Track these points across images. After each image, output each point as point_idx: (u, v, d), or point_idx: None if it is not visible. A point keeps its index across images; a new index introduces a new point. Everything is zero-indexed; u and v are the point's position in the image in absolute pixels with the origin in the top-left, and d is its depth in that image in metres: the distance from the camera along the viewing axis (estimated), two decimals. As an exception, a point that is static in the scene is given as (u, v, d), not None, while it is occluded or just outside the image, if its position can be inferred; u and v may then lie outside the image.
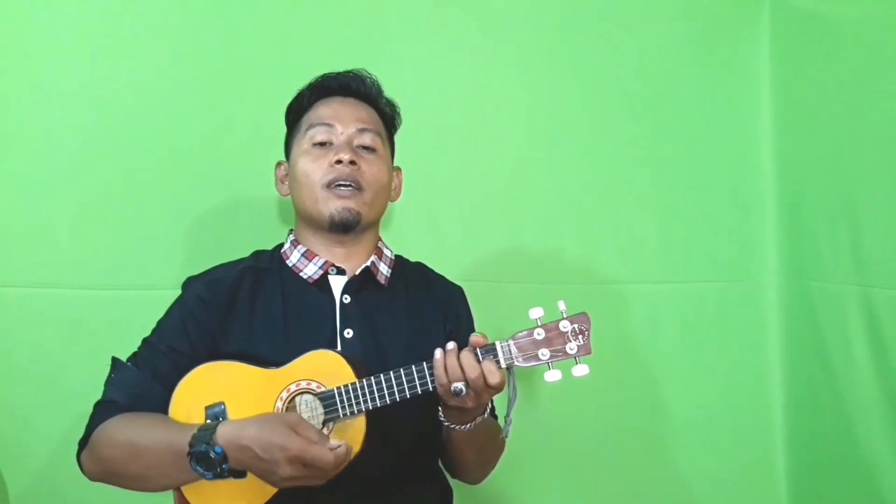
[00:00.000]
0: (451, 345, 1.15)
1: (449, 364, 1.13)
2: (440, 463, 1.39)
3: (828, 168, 1.78)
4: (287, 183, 1.39)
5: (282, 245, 1.39)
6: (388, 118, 1.42)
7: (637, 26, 1.92)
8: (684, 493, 1.90)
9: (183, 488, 1.17)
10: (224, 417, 1.17)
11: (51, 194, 1.55)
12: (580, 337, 1.16)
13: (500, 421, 1.33)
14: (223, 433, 1.10)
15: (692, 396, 1.91)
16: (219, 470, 1.09)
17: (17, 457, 1.50)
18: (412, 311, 1.35)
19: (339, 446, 1.10)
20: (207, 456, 1.08)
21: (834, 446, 1.77)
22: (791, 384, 1.92)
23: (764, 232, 1.96)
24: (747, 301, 1.96)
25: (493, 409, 1.36)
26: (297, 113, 1.39)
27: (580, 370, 1.15)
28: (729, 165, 1.97)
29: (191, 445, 1.09)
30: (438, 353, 1.15)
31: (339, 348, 1.26)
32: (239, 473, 1.12)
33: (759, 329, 1.96)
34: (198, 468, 1.09)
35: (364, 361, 1.22)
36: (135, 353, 1.27)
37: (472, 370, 1.13)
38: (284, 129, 1.41)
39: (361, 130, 1.34)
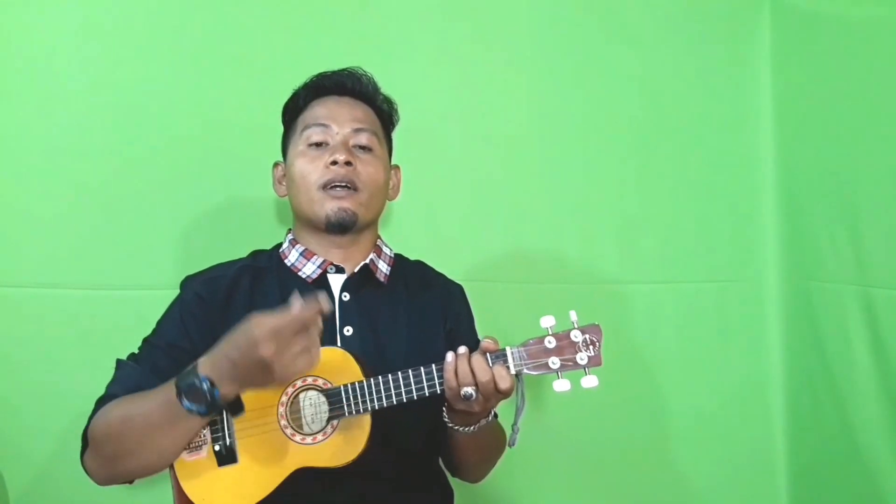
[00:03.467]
0: (462, 349, 1.15)
1: (460, 368, 1.13)
2: (440, 462, 1.39)
3: (828, 168, 1.78)
4: (284, 183, 1.38)
5: (280, 245, 1.39)
6: (386, 115, 1.41)
7: (637, 27, 1.92)
8: (684, 493, 1.90)
9: (184, 486, 1.16)
10: None
11: (51, 194, 1.54)
12: (591, 348, 1.16)
13: (503, 424, 1.34)
14: (202, 361, 1.10)
15: (692, 396, 1.91)
16: (209, 399, 1.07)
17: (17, 457, 1.49)
18: (411, 309, 1.35)
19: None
20: (195, 387, 1.07)
21: (834, 446, 1.77)
22: (791, 384, 1.92)
23: (764, 232, 1.96)
24: (747, 301, 1.96)
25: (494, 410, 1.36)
26: (293, 113, 1.38)
27: (589, 381, 1.15)
28: (729, 166, 1.97)
29: (177, 385, 1.09)
30: (450, 356, 1.14)
31: (338, 345, 1.26)
32: (235, 406, 1.11)
33: (759, 329, 1.95)
34: (189, 404, 1.08)
35: (364, 359, 1.21)
36: (135, 353, 1.27)
37: (483, 374, 1.12)
38: (282, 130, 1.41)
39: (357, 130, 1.34)
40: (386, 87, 1.41)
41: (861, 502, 1.70)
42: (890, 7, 1.62)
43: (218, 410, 1.10)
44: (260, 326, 1.05)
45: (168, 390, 1.11)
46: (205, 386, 1.07)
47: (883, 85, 1.63)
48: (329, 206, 1.30)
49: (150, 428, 1.13)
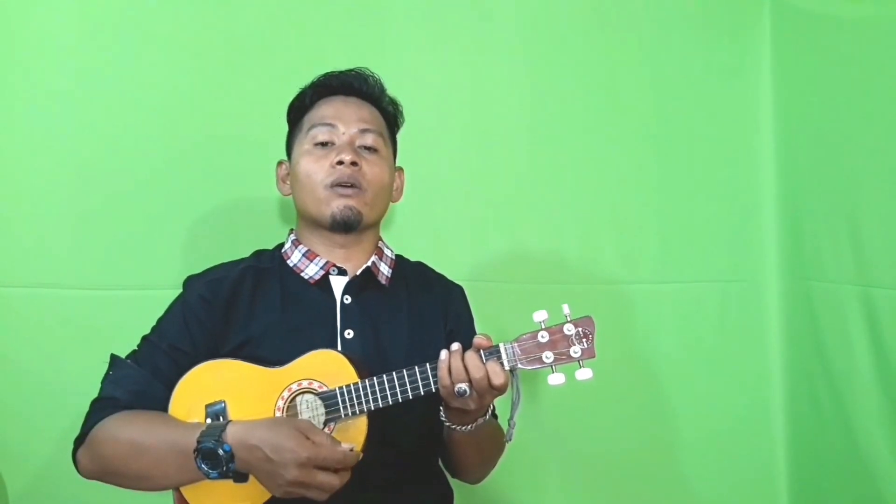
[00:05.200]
0: (455, 346, 1.15)
1: (454, 365, 1.13)
2: (440, 463, 1.39)
3: (828, 168, 1.78)
4: (288, 182, 1.38)
5: (282, 245, 1.38)
6: (391, 117, 1.41)
7: (637, 27, 1.92)
8: (684, 493, 1.91)
9: (182, 489, 1.17)
10: (224, 416, 1.17)
11: (51, 194, 1.54)
12: (584, 340, 1.16)
13: (502, 423, 1.34)
14: (233, 432, 1.10)
15: (692, 396, 1.91)
16: (225, 469, 1.08)
17: (17, 457, 1.49)
18: (412, 311, 1.35)
19: (351, 449, 1.10)
20: (215, 453, 1.08)
21: (834, 446, 1.77)
22: (791, 384, 1.93)
23: (764, 232, 1.96)
24: (747, 301, 1.96)
25: (493, 410, 1.35)
26: (298, 112, 1.38)
27: (583, 374, 1.14)
28: (729, 166, 1.97)
29: (199, 442, 1.09)
30: (444, 354, 1.15)
31: (339, 349, 1.26)
32: (242, 476, 1.11)
33: (759, 329, 1.96)
34: (203, 465, 1.09)
35: (365, 362, 1.22)
36: (134, 351, 1.26)
37: (476, 370, 1.13)
38: (285, 129, 1.41)
39: (363, 131, 1.34)
40: (388, 89, 1.41)
41: (861, 502, 1.70)
42: (890, 7, 1.62)
43: (227, 477, 1.11)
44: (302, 448, 1.07)
45: (184, 436, 1.11)
46: (225, 457, 1.08)
47: (883, 85, 1.63)
48: (335, 204, 1.29)
49: (157, 464, 1.14)
